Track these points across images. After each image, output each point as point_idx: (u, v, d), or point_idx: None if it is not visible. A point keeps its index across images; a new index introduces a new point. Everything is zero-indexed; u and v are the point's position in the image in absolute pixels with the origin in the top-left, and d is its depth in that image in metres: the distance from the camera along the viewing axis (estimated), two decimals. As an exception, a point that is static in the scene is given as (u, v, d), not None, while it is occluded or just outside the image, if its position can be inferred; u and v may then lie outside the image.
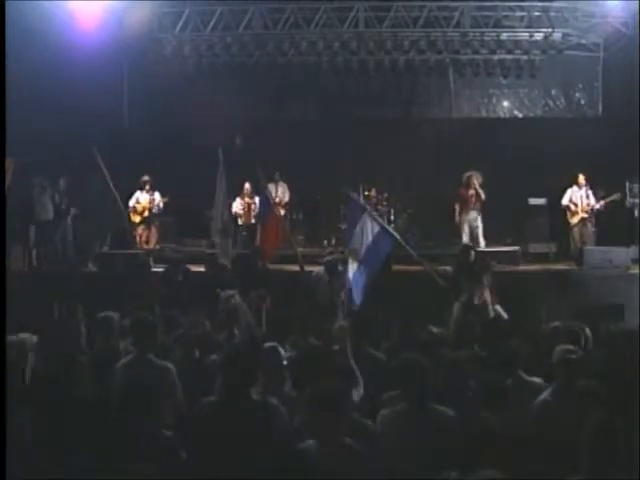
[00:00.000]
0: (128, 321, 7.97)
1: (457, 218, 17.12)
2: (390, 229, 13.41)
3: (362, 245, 12.46)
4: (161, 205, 17.63)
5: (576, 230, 17.45)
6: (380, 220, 13.41)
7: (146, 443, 5.37)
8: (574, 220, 17.46)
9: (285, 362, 7.02)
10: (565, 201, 17.53)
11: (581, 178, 17.35)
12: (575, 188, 17.45)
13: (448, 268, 13.91)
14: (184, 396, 6.85)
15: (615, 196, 17.39)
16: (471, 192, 16.93)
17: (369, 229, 12.51)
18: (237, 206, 18.20)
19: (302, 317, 8.71)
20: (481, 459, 4.76)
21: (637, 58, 17.36)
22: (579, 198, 17.39)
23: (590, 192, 17.32)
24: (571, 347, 6.66)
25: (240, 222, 18.22)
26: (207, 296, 11.61)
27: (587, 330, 7.95)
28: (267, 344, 7.20)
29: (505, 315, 12.01)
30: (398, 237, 13.24)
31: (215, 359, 7.11)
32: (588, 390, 6.14)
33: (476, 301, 12.49)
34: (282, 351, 7.20)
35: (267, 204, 15.50)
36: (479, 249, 15.81)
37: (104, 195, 15.98)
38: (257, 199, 17.29)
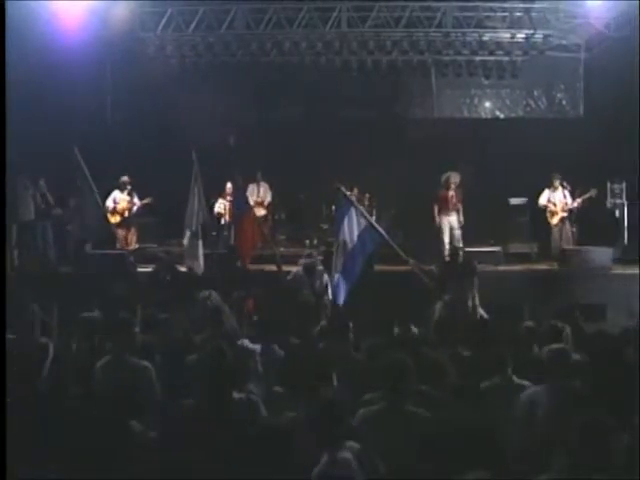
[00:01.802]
0: (108, 321, 7.97)
1: (437, 219, 17.13)
2: (377, 225, 13.37)
3: (348, 240, 12.46)
4: (139, 206, 17.59)
5: (556, 230, 17.50)
6: (367, 216, 13.39)
7: (126, 443, 5.38)
8: (554, 220, 17.51)
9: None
10: (542, 201, 17.60)
11: (556, 179, 17.40)
12: (552, 188, 17.52)
13: (432, 268, 13.95)
14: (165, 396, 6.85)
15: (591, 192, 17.41)
16: (450, 193, 16.99)
17: (355, 225, 12.51)
18: (219, 206, 18.20)
19: (282, 317, 8.72)
20: (467, 460, 4.78)
21: (637, 58, 17.29)
22: (557, 198, 17.45)
23: (567, 192, 17.36)
24: (563, 346, 6.70)
25: (222, 222, 18.22)
26: (185, 297, 11.62)
27: (567, 329, 8.01)
28: (247, 344, 7.24)
29: (485, 315, 12.07)
30: (385, 234, 13.20)
31: (196, 359, 7.12)
32: (575, 390, 6.20)
33: (459, 301, 12.54)
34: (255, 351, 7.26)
35: (243, 204, 15.46)
36: (465, 250, 15.92)
37: (85, 196, 15.94)
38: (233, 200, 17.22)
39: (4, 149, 11.42)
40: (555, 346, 6.68)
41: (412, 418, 5.72)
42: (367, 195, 19.16)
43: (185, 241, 15.09)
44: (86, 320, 8.31)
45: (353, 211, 12.67)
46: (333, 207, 15.98)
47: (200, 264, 14.63)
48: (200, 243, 15.00)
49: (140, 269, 15.65)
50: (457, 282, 12.93)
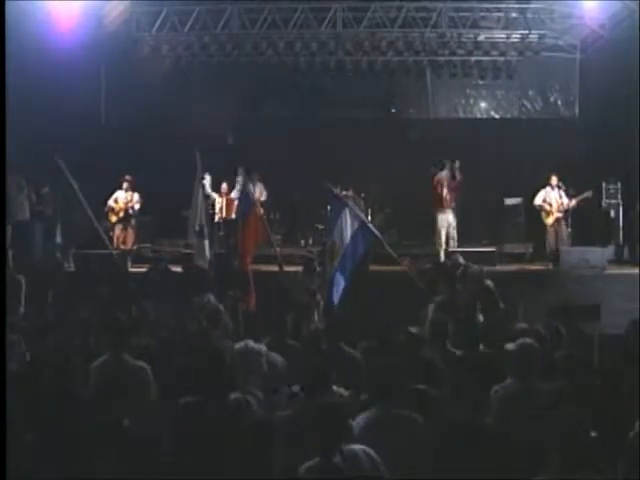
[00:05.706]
0: (103, 321, 7.95)
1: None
2: (371, 225, 13.35)
3: (342, 241, 12.41)
4: (137, 207, 17.53)
5: (551, 230, 17.44)
6: (362, 215, 13.35)
7: (121, 443, 5.37)
8: (549, 220, 17.41)
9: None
10: (538, 201, 17.42)
11: (554, 179, 17.32)
12: (548, 189, 17.43)
13: (425, 267, 13.93)
14: (162, 397, 6.84)
15: (587, 194, 17.36)
16: (445, 173, 17.02)
17: (349, 225, 12.46)
18: (216, 205, 18.19)
19: (279, 318, 8.71)
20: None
21: (636, 58, 17.26)
22: (553, 198, 17.39)
23: (562, 192, 17.30)
24: (529, 341, 6.65)
25: (219, 221, 18.19)
26: (184, 297, 11.59)
27: (562, 329, 8.00)
28: (244, 344, 7.22)
29: (480, 317, 12.04)
30: (378, 234, 13.16)
31: (193, 360, 7.11)
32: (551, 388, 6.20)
33: (452, 302, 12.51)
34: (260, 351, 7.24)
35: (248, 202, 15.31)
36: (458, 250, 15.92)
37: (71, 201, 15.86)
38: (237, 197, 17.11)
39: (4, 149, 11.38)
40: (521, 341, 6.64)
41: (409, 419, 5.71)
42: (362, 195, 19.17)
43: (192, 241, 15.09)
44: (80, 320, 8.28)
45: (347, 211, 12.62)
46: (328, 207, 15.89)
47: (207, 263, 14.64)
48: (207, 242, 15.02)
49: (135, 269, 15.61)
50: (449, 282, 12.90)
